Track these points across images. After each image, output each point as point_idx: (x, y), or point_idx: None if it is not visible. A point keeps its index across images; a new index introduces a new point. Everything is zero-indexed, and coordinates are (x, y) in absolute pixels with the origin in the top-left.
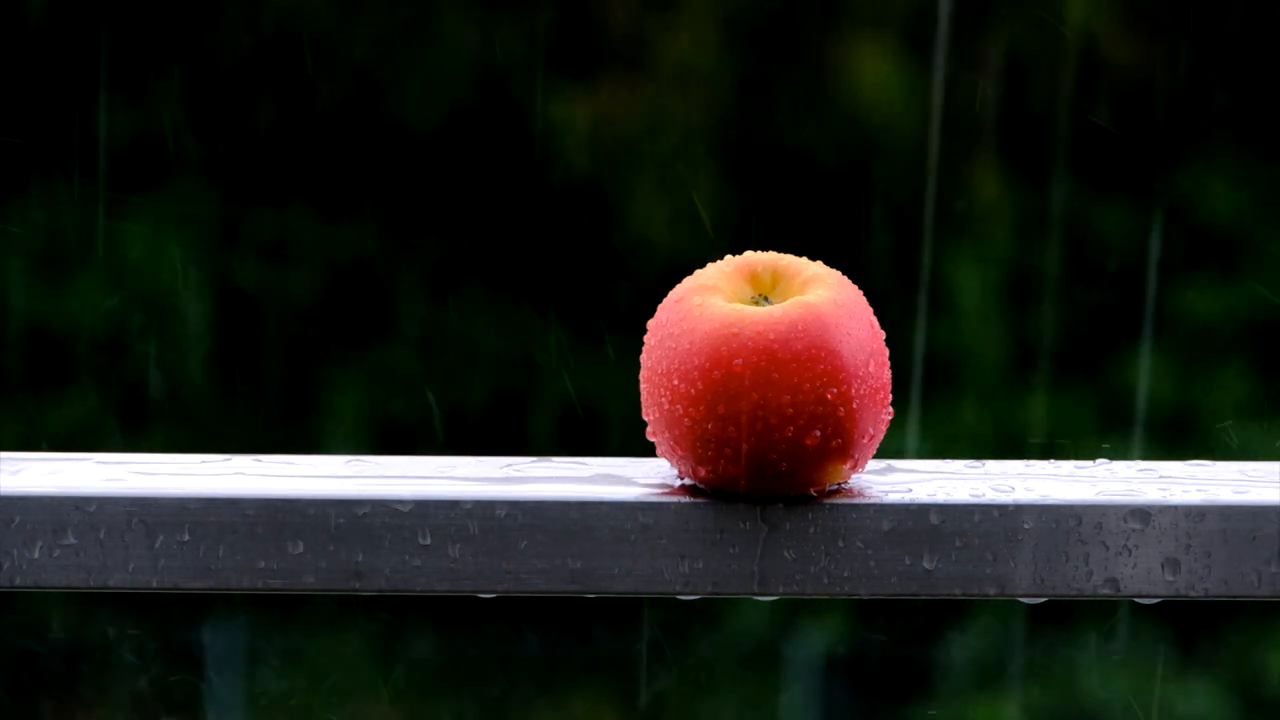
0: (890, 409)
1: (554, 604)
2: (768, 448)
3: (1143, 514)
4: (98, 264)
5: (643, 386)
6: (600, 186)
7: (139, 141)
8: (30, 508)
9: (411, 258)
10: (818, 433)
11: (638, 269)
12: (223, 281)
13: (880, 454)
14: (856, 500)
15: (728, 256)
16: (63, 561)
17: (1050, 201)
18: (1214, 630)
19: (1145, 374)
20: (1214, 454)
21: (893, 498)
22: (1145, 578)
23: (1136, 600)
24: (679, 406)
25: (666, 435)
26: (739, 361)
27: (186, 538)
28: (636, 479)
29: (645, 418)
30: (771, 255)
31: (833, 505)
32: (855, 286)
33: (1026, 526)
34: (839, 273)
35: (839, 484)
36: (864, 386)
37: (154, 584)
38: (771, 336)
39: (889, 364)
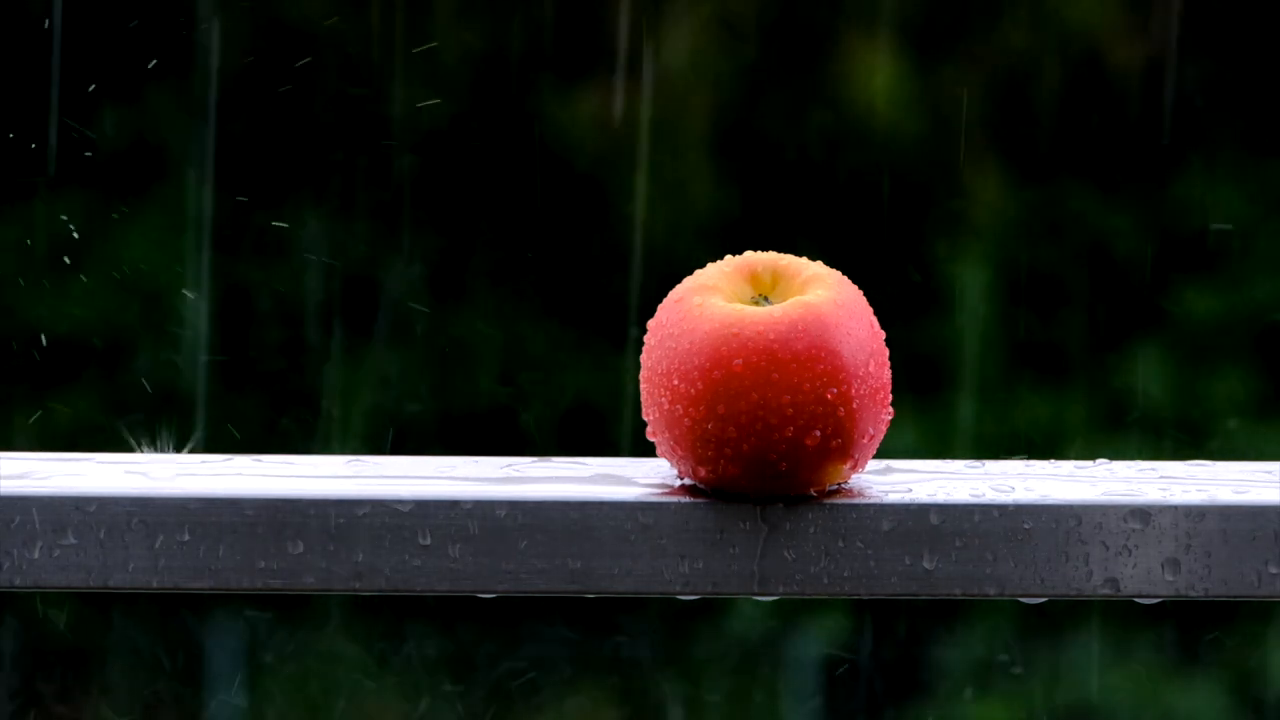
0: (890, 409)
1: (554, 604)
2: (768, 448)
3: (1143, 514)
4: (98, 264)
5: (643, 386)
6: (600, 186)
7: (139, 141)
8: (30, 508)
9: (411, 258)
10: (818, 433)
11: (638, 269)
12: (223, 281)
13: (880, 454)
14: (856, 500)
15: (728, 256)
16: (63, 561)
17: (1051, 201)
18: (1214, 630)
19: (1145, 374)
20: (1214, 454)
21: (893, 498)
22: (1145, 578)
23: (1136, 600)
24: (679, 406)
25: (666, 435)
26: (739, 361)
27: (186, 538)
28: (636, 479)
29: (645, 418)
30: (771, 255)
31: (833, 505)
32: (855, 286)
33: (1026, 526)
34: (839, 273)
35: (839, 484)
36: (864, 386)
37: (154, 584)
38: (771, 336)
39: (889, 364)
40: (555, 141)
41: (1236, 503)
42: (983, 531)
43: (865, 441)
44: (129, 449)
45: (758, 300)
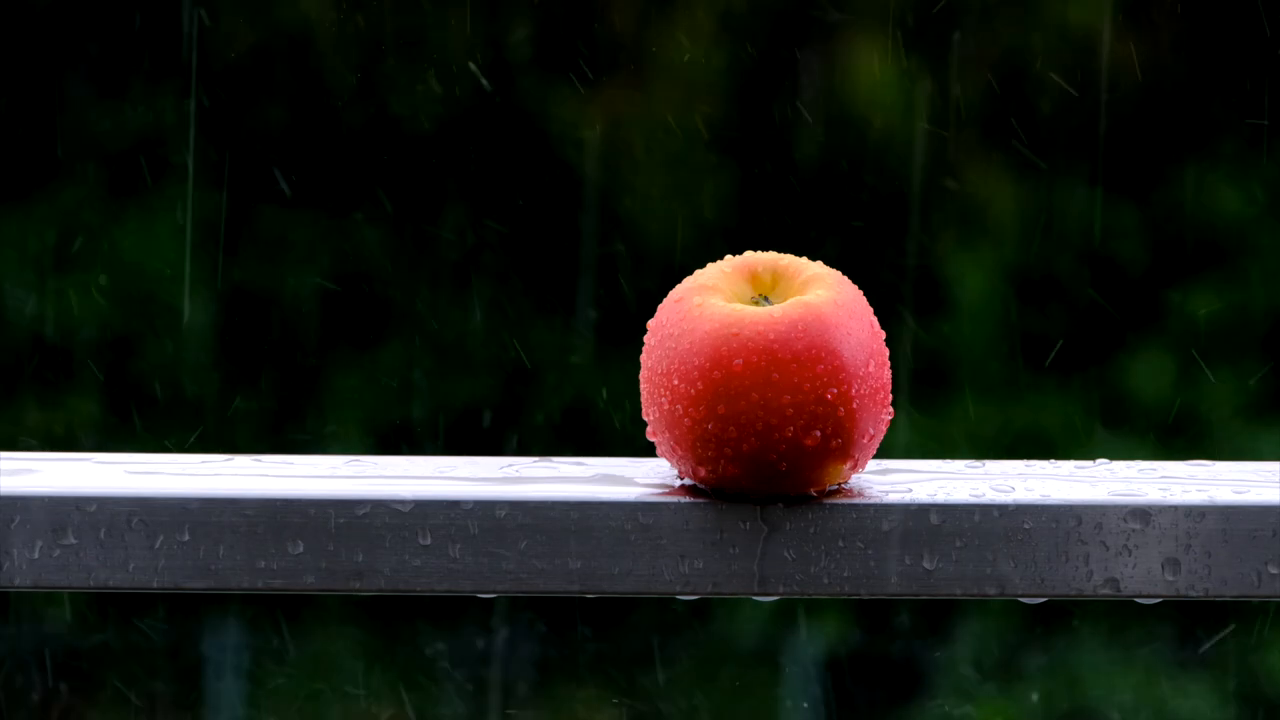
0: (890, 409)
1: (554, 603)
2: (768, 448)
3: (1143, 514)
4: (98, 263)
5: (643, 386)
6: (600, 186)
7: (139, 141)
8: (30, 508)
9: (412, 258)
10: (818, 433)
11: (638, 269)
12: (223, 281)
13: (880, 454)
14: (856, 500)
15: (728, 256)
16: (63, 561)
17: (1051, 201)
18: (1214, 630)
19: (1145, 374)
20: (1214, 454)
21: (893, 498)
22: (1145, 578)
23: (1136, 600)
24: (679, 406)
25: (666, 435)
26: (739, 361)
27: (186, 538)
28: (636, 479)
29: (645, 418)
30: (771, 255)
31: (833, 505)
32: (855, 286)
33: (1026, 526)
34: (839, 272)
35: (839, 484)
36: (864, 386)
37: (154, 584)
38: (771, 336)
39: (889, 364)
40: (555, 141)
41: (1236, 503)
42: (983, 531)
43: (865, 441)
44: (129, 449)
45: (758, 300)
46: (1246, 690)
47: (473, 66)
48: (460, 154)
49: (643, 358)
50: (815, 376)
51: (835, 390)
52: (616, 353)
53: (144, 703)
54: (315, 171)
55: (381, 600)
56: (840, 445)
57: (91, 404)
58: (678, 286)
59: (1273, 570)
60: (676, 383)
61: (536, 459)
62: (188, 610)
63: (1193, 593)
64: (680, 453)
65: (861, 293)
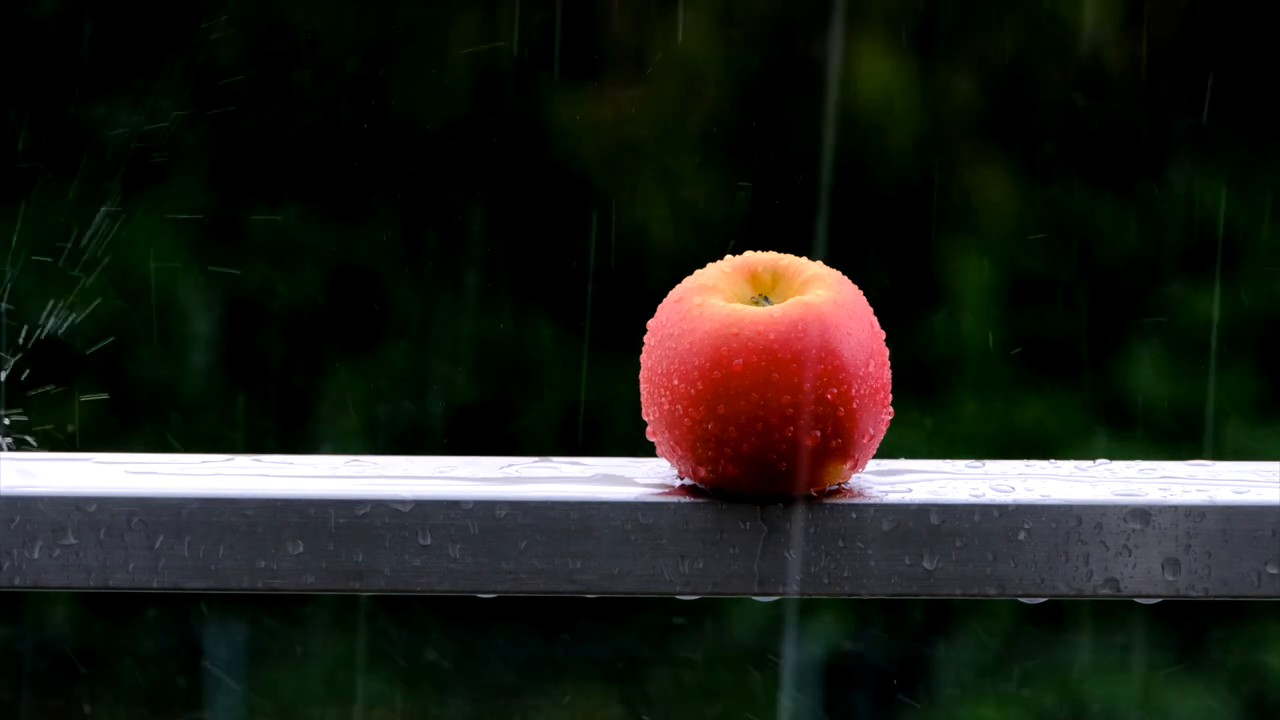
0: (890, 409)
1: (554, 603)
2: (768, 448)
3: (1143, 514)
4: (97, 263)
5: (643, 386)
6: (600, 186)
7: (139, 140)
8: (30, 508)
9: (412, 258)
10: (818, 433)
11: (638, 269)
12: (223, 281)
13: (880, 454)
14: (856, 500)
15: (728, 256)
16: (63, 561)
17: (1051, 201)
18: (1214, 630)
19: (1145, 374)
20: (1214, 454)
21: (893, 498)
22: (1145, 578)
23: (1136, 600)
24: (679, 406)
25: (666, 435)
26: (739, 361)
27: (186, 538)
28: (636, 479)
29: (645, 418)
30: (771, 255)
31: (833, 505)
32: (855, 286)
33: (1026, 526)
34: (839, 273)
35: (839, 484)
36: (864, 386)
37: (154, 584)
38: (771, 336)
39: (889, 364)
40: (556, 141)
41: (1236, 503)
42: (983, 531)
43: (865, 441)
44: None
45: (758, 300)
46: (1246, 690)
47: (474, 66)
48: (460, 154)
49: (643, 358)
50: (815, 376)
51: (835, 390)
52: (616, 353)
53: (144, 703)
54: (315, 171)
55: (381, 600)
56: (840, 445)
57: (91, 404)
58: (678, 286)
59: (1273, 570)
60: (676, 383)
61: (536, 459)
62: (187, 610)
63: (1193, 593)
64: (680, 453)
65: (861, 293)
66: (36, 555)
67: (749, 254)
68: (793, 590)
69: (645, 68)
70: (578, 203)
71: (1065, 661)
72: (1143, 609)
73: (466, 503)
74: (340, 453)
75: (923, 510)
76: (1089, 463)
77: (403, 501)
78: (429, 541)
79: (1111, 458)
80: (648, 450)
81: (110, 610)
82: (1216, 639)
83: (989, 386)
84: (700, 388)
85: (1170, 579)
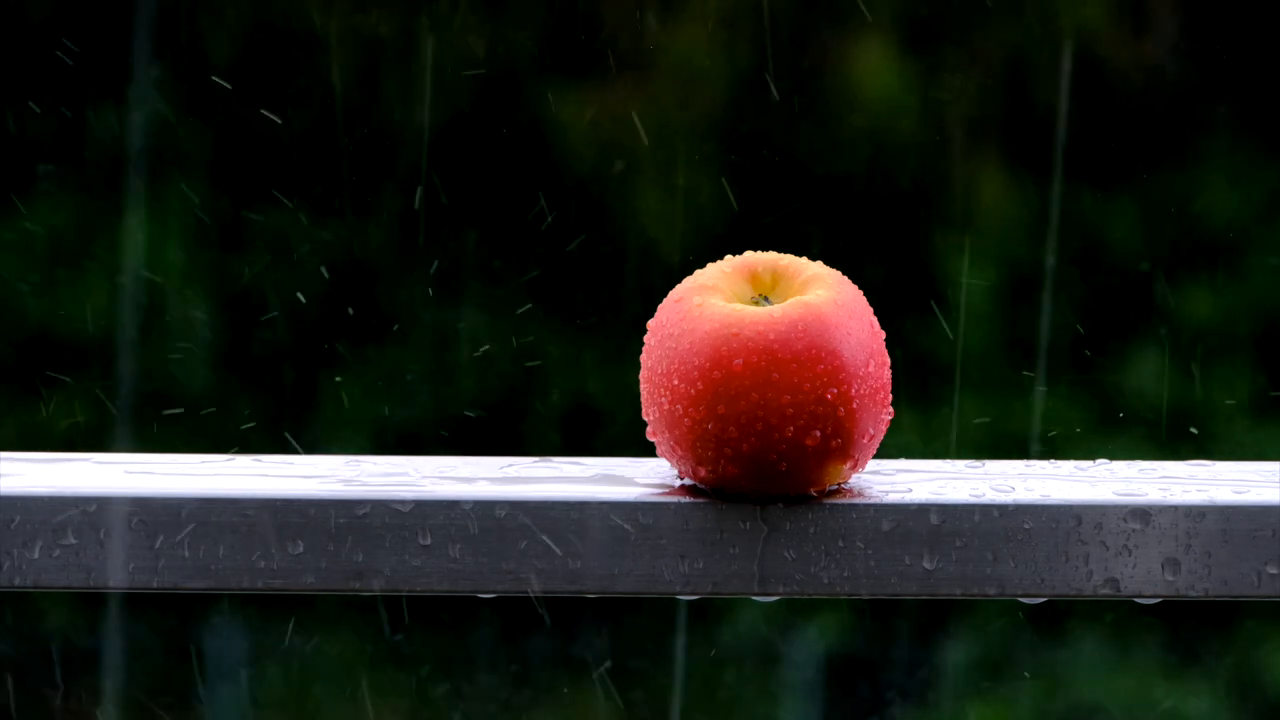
0: (890, 409)
1: (553, 603)
2: (768, 448)
3: (1143, 514)
4: (97, 263)
5: (643, 386)
6: (600, 186)
7: (139, 140)
8: (30, 508)
9: (412, 258)
10: (818, 433)
11: (638, 269)
12: (223, 281)
13: (880, 454)
14: (856, 500)
15: (728, 256)
16: (63, 561)
17: (1051, 201)
18: (1214, 630)
19: (1145, 374)
20: (1214, 454)
21: (893, 498)
22: (1145, 578)
23: (1136, 600)
24: (679, 406)
25: (666, 435)
26: (739, 361)
27: (186, 538)
28: (636, 479)
29: (645, 418)
30: (771, 255)
31: (833, 505)
32: (855, 286)
33: (1026, 526)
34: (839, 272)
35: (839, 484)
36: (864, 386)
37: (154, 584)
38: (771, 336)
39: (889, 364)
40: (555, 141)
41: (1236, 503)
42: (983, 531)
43: (865, 441)
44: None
45: (758, 300)
46: (1246, 691)
47: (473, 66)
48: (460, 153)
49: (643, 358)
50: (815, 376)
51: (835, 390)
52: (616, 353)
53: (144, 703)
54: (316, 171)
55: (381, 600)
56: (840, 445)
57: (91, 404)
58: (678, 286)
59: (1272, 570)
60: (676, 383)
61: (536, 459)
62: (188, 610)
63: (1193, 593)
64: (680, 453)
65: (861, 293)
66: (36, 555)
67: (749, 254)
68: (793, 590)
69: (645, 68)
70: (577, 202)
71: (1065, 662)
72: (1143, 609)
73: (466, 503)
74: (340, 453)
75: (923, 510)
76: (1089, 463)
77: (403, 501)
78: (429, 541)
79: (1111, 458)
80: (648, 450)
81: (110, 610)
82: (1216, 639)
83: (988, 386)
84: (700, 388)
85: (1170, 579)
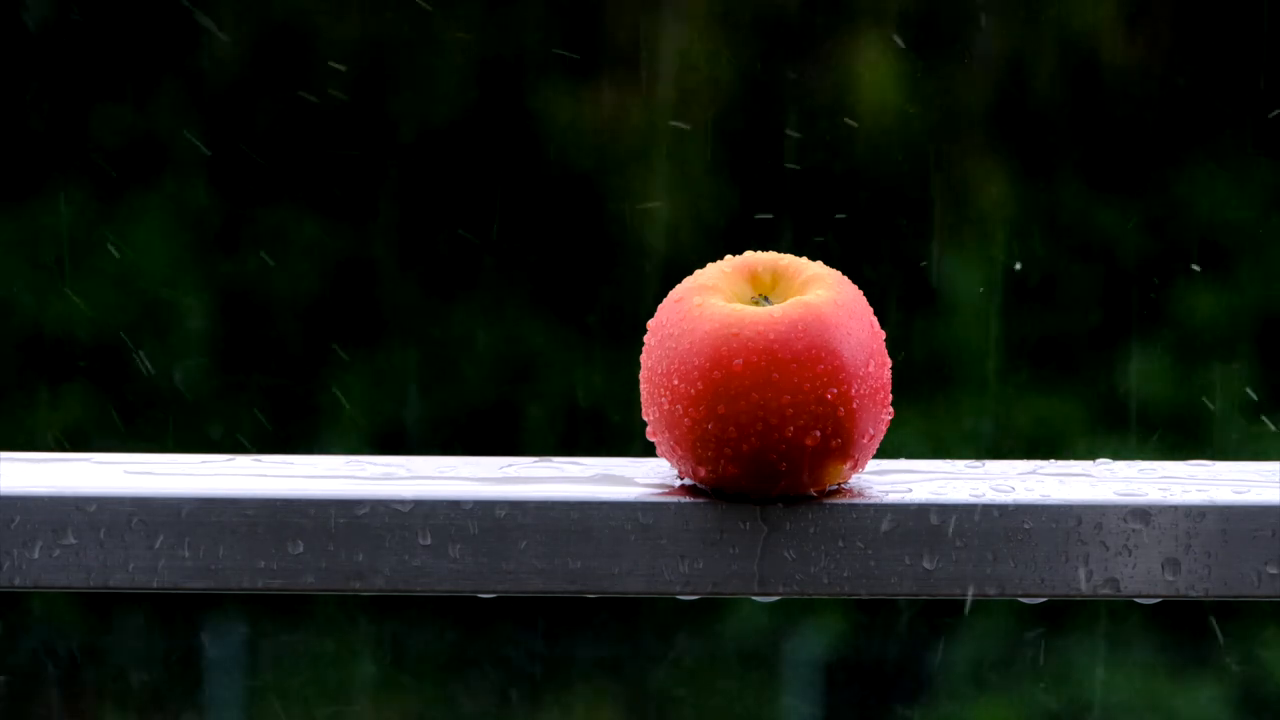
0: (890, 409)
1: (554, 603)
2: (768, 448)
3: (1143, 514)
4: (97, 263)
5: (643, 386)
6: (600, 186)
7: (139, 141)
8: (30, 508)
9: (412, 258)
10: (818, 433)
11: (638, 269)
12: (222, 281)
13: (880, 454)
14: (856, 500)
15: (728, 256)
16: (63, 561)
17: (1051, 201)
18: (1214, 630)
19: (1145, 374)
20: (1214, 454)
21: (893, 498)
22: (1145, 578)
23: (1136, 600)
24: (679, 406)
25: (666, 435)
26: (739, 361)
27: (186, 538)
28: (636, 479)
29: (645, 418)
30: (771, 255)
31: (833, 505)
32: (855, 286)
33: (1026, 526)
34: (839, 273)
35: (839, 484)
36: (864, 386)
37: (154, 584)
38: (771, 336)
39: (889, 364)
40: (555, 141)
41: (1236, 503)
42: (983, 531)
43: (865, 441)
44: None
45: (758, 300)
46: (1247, 690)
47: (473, 66)
48: (460, 154)
49: (643, 358)
50: (815, 376)
51: (835, 390)
52: (616, 353)
53: (144, 703)
54: (315, 171)
55: (381, 600)
56: (840, 445)
57: (91, 404)
58: (678, 286)
59: (1272, 570)
60: (676, 383)
61: (536, 459)
62: (188, 610)
63: (1193, 593)
64: (680, 453)
65: (861, 293)
66: (36, 555)
67: (749, 254)
68: (793, 590)
69: (645, 67)
70: (577, 202)
71: (1065, 662)
72: (1143, 608)
73: (466, 503)
74: (340, 453)
75: (923, 510)
76: (1089, 463)
77: (403, 501)
78: (429, 541)
79: (1111, 458)
80: (648, 450)
81: (109, 610)
82: (1216, 639)
83: (988, 386)
84: (700, 388)
85: (1170, 579)
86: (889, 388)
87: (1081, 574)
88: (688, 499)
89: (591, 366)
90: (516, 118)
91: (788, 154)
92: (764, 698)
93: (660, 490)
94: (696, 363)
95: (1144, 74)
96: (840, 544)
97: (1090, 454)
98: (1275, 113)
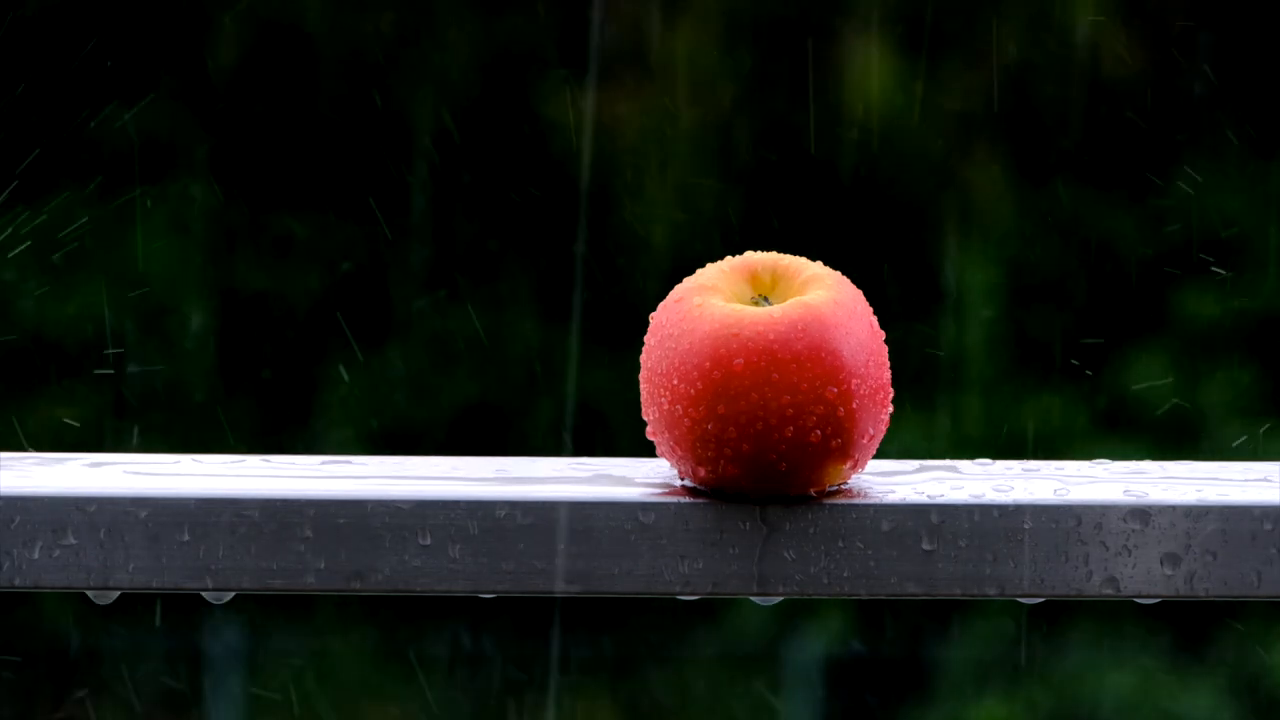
0: (890, 409)
1: (554, 603)
2: (768, 448)
3: (1143, 514)
4: (98, 264)
5: (643, 386)
6: (601, 186)
7: (139, 141)
8: (30, 508)
9: (412, 258)
10: (818, 433)
11: (638, 268)
12: (223, 281)
13: (880, 454)
14: (856, 500)
15: (728, 256)
16: (63, 561)
17: (1051, 201)
18: (1214, 630)
19: (1145, 374)
20: (1214, 454)
21: (893, 498)
22: (1145, 578)
23: (1136, 600)
24: (679, 406)
25: (666, 435)
26: (739, 361)
27: (186, 538)
28: (636, 479)
29: (645, 418)
30: (771, 255)
31: (833, 505)
32: (855, 287)
33: (1026, 526)
34: (839, 273)
35: (839, 484)
36: (864, 386)
37: (154, 584)
38: (771, 336)
39: (889, 364)
40: (556, 141)
41: (1236, 503)
42: (983, 531)
43: (865, 441)
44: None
45: (757, 300)
46: (1246, 690)
47: (474, 66)
48: (461, 153)
49: (643, 358)
50: (815, 377)
51: (835, 390)
52: (616, 353)
53: (144, 703)
54: (315, 172)
55: (381, 600)
56: (840, 445)
57: (91, 404)
58: (678, 286)
59: (1273, 570)
60: (676, 383)
61: (536, 459)
62: (187, 610)
63: (1193, 593)
64: (680, 453)
65: (861, 293)
66: (36, 555)
67: (749, 254)
68: (793, 590)
69: (645, 68)
70: (578, 202)
71: (1065, 661)
72: (1143, 608)
73: (466, 503)
74: (340, 453)
75: (923, 510)
76: (1089, 463)
77: (403, 501)
78: (429, 541)
79: (1111, 458)
80: (648, 450)
81: (109, 610)
82: (1216, 639)
83: (989, 387)
84: (700, 388)
85: (1170, 579)
86: (889, 388)
87: (1081, 574)
88: (688, 499)
89: (591, 366)
90: (517, 117)
91: (788, 154)
92: (764, 698)
93: (660, 490)
94: (696, 363)
95: (1144, 75)
96: (840, 544)
97: (1090, 454)
98: (1275, 112)
